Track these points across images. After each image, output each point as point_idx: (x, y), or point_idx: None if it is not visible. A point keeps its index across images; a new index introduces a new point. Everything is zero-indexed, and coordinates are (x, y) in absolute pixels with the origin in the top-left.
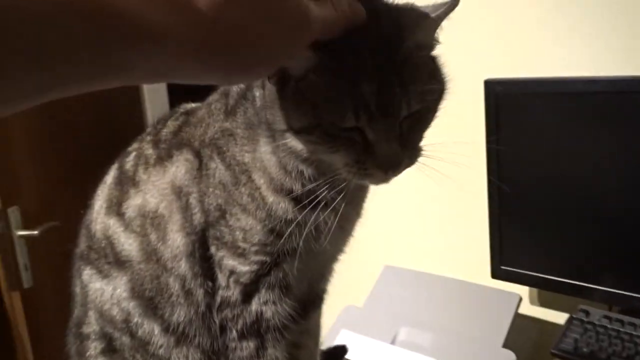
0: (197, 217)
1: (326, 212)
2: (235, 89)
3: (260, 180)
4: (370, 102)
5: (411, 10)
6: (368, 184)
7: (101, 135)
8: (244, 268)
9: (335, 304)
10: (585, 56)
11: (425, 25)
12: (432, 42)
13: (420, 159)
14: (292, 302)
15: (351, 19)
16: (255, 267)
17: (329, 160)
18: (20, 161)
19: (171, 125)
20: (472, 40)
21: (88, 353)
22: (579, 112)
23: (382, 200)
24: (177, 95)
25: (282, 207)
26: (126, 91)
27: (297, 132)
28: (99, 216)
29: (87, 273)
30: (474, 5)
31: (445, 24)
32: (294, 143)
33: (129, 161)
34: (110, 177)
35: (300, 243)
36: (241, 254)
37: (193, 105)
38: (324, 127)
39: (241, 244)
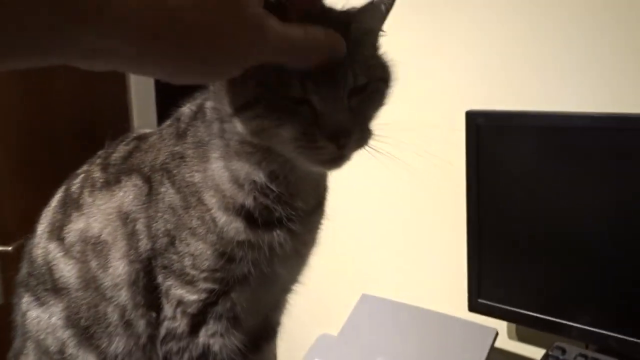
0: (144, 244)
1: (280, 233)
2: (187, 112)
3: (211, 200)
4: (315, 69)
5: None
6: (319, 166)
7: (84, 151)
8: (192, 297)
9: (310, 332)
10: (568, 90)
11: (369, 9)
12: (377, 28)
13: (373, 144)
14: (242, 334)
15: (326, 47)
16: (203, 295)
17: (277, 139)
18: None
19: (122, 149)
20: (455, 71)
21: None
22: (560, 147)
23: (361, 227)
24: (166, 108)
25: (234, 227)
26: (112, 103)
27: (244, 109)
28: (40, 240)
29: (26, 300)
30: (457, 36)
31: (430, 56)
32: (241, 126)
33: (76, 183)
34: (55, 199)
35: (252, 268)
36: (189, 282)
37: (146, 130)
38: (269, 98)
39: (190, 271)
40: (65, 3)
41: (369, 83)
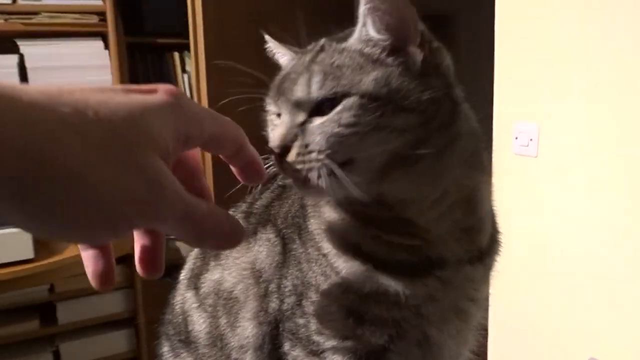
0: (273, 304)
1: (428, 282)
2: None
3: (328, 246)
4: (276, 82)
5: None
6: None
7: None
8: None
9: None
10: None
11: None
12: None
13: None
14: None
15: (224, 236)
16: None
17: None
18: None
19: (266, 197)
20: None
21: None
22: None
23: (593, 285)
24: None
25: (354, 270)
26: None
27: None
28: (181, 287)
29: (166, 350)
30: None
31: None
32: None
33: None
34: None
35: (394, 331)
36: (315, 353)
37: None
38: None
39: (315, 338)
40: None
41: (334, 100)
